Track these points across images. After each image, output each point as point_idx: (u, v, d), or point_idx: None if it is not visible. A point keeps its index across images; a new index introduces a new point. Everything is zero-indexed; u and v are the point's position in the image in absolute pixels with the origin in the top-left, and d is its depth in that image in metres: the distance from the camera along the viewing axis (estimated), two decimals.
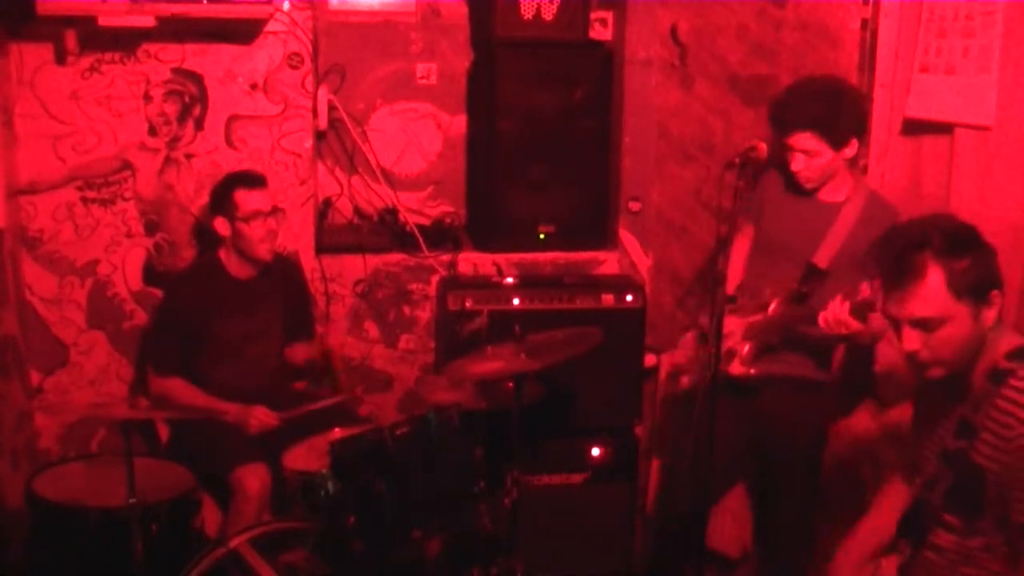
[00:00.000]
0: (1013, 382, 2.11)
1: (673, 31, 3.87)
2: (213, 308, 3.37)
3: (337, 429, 3.07)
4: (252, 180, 3.36)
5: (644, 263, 4.01)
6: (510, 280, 3.74)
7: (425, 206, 4.17)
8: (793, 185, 3.08)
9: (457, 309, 3.56)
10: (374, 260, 3.87)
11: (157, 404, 3.37)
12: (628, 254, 4.01)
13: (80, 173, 3.62)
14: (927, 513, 2.28)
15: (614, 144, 3.98)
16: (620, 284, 3.76)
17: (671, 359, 3.49)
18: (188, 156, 3.69)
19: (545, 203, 3.86)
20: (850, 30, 3.64)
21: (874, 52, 3.50)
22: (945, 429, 2.26)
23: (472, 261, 3.89)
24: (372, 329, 3.92)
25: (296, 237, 3.77)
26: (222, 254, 3.41)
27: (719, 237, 2.64)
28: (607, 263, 3.99)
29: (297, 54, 3.69)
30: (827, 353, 3.11)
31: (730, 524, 3.68)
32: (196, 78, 3.64)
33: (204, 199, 3.56)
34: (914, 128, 3.29)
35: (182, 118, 3.66)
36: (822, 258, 3.01)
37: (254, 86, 3.68)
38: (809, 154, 2.97)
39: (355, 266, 3.85)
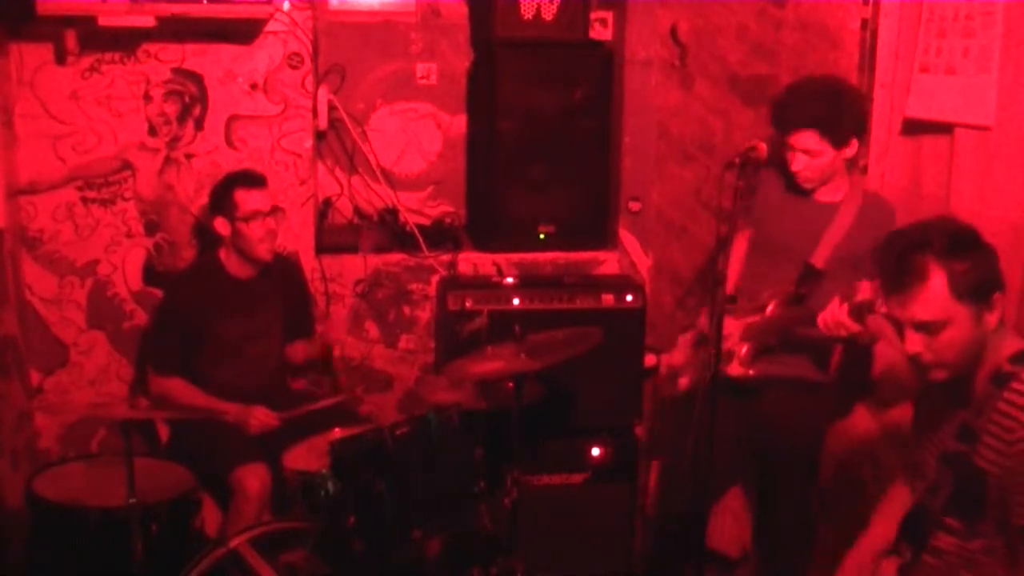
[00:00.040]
0: (1015, 385, 2.11)
1: (673, 31, 3.87)
2: (213, 308, 3.37)
3: (337, 429, 3.07)
4: (252, 180, 3.36)
5: (644, 263, 4.01)
6: (510, 280, 3.74)
7: (425, 206, 4.17)
8: (792, 185, 3.08)
9: (457, 309, 3.56)
10: (374, 260, 3.87)
11: (157, 404, 3.37)
12: (628, 254, 4.01)
13: (80, 173, 3.62)
14: (928, 516, 2.28)
15: (614, 144, 3.98)
16: (620, 284, 3.76)
17: (668, 360, 3.49)
18: (188, 156, 3.69)
19: (545, 203, 3.86)
20: (850, 30, 3.64)
21: (874, 52, 3.50)
22: (946, 432, 2.26)
23: (472, 261, 3.89)
24: (372, 329, 3.92)
25: (296, 237, 3.77)
26: (222, 254, 3.41)
27: (719, 237, 2.64)
28: (607, 263, 3.99)
29: (297, 54, 3.69)
30: (825, 354, 3.11)
31: (730, 524, 3.68)
32: (196, 78, 3.64)
33: (204, 199, 3.56)
34: (914, 128, 3.29)
35: (182, 118, 3.66)
36: (819, 258, 3.01)
37: (254, 86, 3.68)
38: (811, 153, 2.97)
39: (355, 266, 3.85)
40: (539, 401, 3.18)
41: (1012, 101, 2.82)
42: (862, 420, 3.37)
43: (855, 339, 2.77)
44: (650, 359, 3.82)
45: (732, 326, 2.98)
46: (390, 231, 3.97)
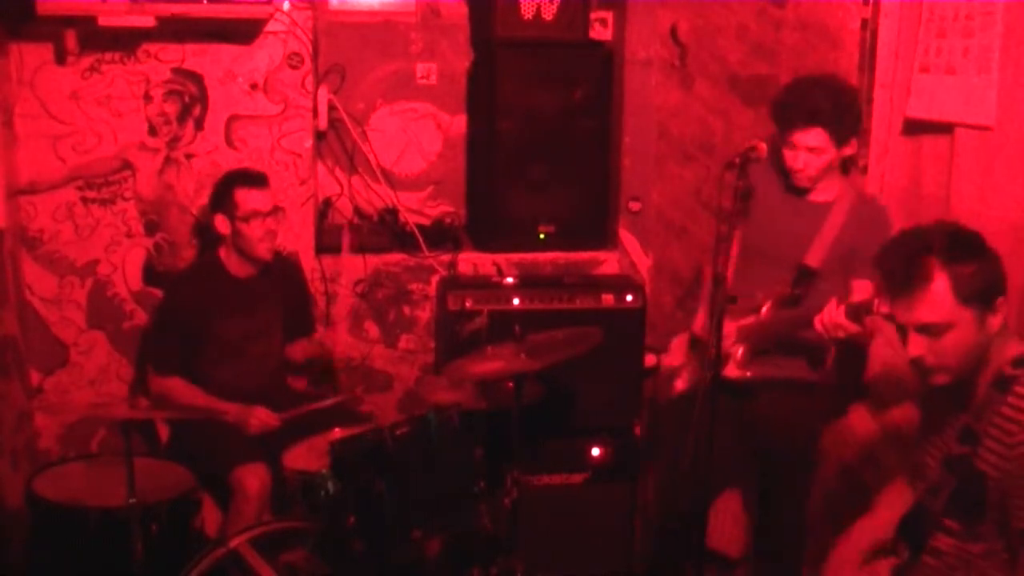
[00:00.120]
0: (1018, 389, 2.12)
1: (673, 31, 3.87)
2: (213, 308, 3.36)
3: (337, 429, 3.06)
4: (253, 179, 3.36)
5: (644, 263, 4.01)
6: (510, 280, 3.74)
7: (425, 206, 4.17)
8: (788, 185, 3.08)
9: (457, 309, 3.56)
10: (374, 260, 3.87)
11: (157, 404, 3.37)
12: (628, 254, 4.01)
13: (80, 173, 3.63)
14: (927, 518, 2.28)
15: (614, 144, 3.98)
16: (620, 284, 3.76)
17: (663, 363, 3.48)
18: (188, 156, 3.69)
19: (545, 203, 3.86)
20: (850, 30, 3.64)
21: (874, 52, 3.50)
22: (948, 435, 2.26)
23: (472, 261, 3.89)
24: (372, 329, 3.92)
25: (296, 237, 3.77)
26: (222, 253, 3.41)
27: (718, 237, 2.63)
28: (607, 263, 3.99)
29: (297, 54, 3.69)
30: (820, 354, 3.11)
31: (730, 524, 3.68)
32: (196, 78, 3.64)
33: (204, 199, 3.56)
34: (914, 128, 3.29)
35: (182, 118, 3.66)
36: (814, 258, 3.01)
37: (254, 86, 3.68)
38: (814, 151, 2.97)
39: (355, 266, 3.85)
40: (539, 401, 3.18)
41: (1012, 101, 2.82)
42: (862, 421, 3.37)
43: (853, 340, 2.77)
44: (650, 359, 3.81)
45: (727, 327, 2.98)
46: (390, 231, 3.97)
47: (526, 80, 3.76)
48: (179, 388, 3.32)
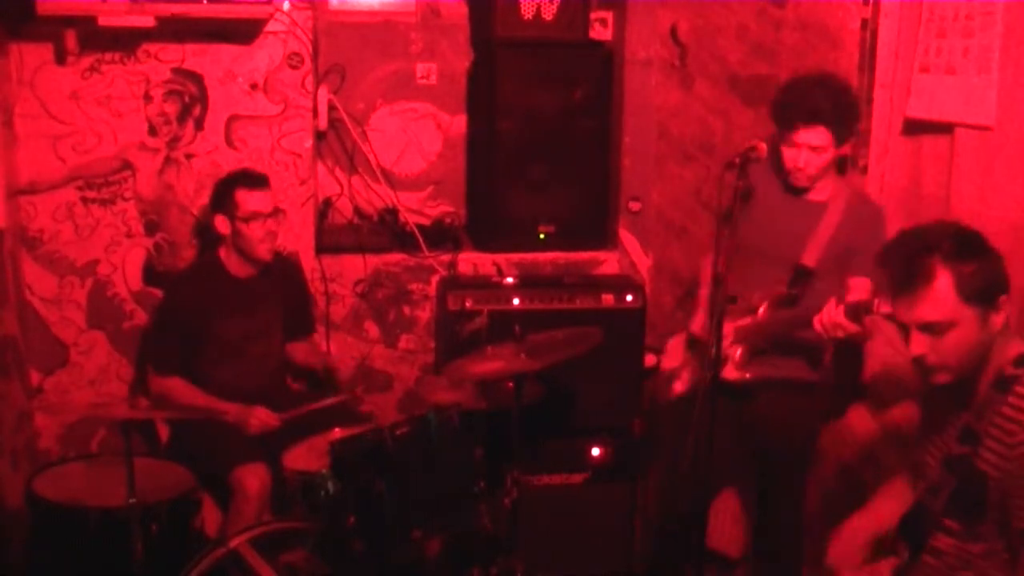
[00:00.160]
0: (1019, 388, 2.12)
1: (673, 31, 3.87)
2: (213, 308, 3.36)
3: (337, 429, 3.06)
4: (254, 180, 3.36)
5: (644, 263, 4.01)
6: (510, 280, 3.74)
7: (425, 206, 4.17)
8: (786, 185, 3.08)
9: (457, 309, 3.56)
10: (374, 260, 3.87)
11: (157, 404, 3.37)
12: (628, 254, 4.01)
13: (80, 173, 3.62)
14: (927, 517, 2.28)
15: (614, 144, 3.98)
16: (620, 284, 3.76)
17: (662, 365, 3.48)
18: (188, 156, 3.69)
19: (545, 203, 3.86)
20: (850, 30, 3.64)
21: (874, 52, 3.50)
22: (948, 435, 2.26)
23: (472, 261, 3.89)
24: (372, 329, 3.92)
25: (296, 237, 3.77)
26: (222, 253, 3.41)
27: (718, 237, 2.64)
28: (607, 263, 3.99)
29: (297, 54, 3.69)
30: (818, 354, 3.11)
31: (730, 524, 3.68)
32: (196, 78, 3.64)
33: (204, 199, 3.56)
34: (914, 128, 3.29)
35: (182, 118, 3.66)
36: (810, 258, 3.01)
37: (254, 86, 3.68)
38: (815, 150, 2.97)
39: (355, 266, 3.85)
40: (539, 401, 3.18)
41: (1012, 101, 2.82)
42: (862, 421, 3.37)
43: (852, 339, 2.77)
44: (650, 359, 3.81)
45: (724, 328, 2.98)
46: (390, 231, 3.97)
47: (526, 80, 3.76)
48: (179, 388, 3.32)
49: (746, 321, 3.02)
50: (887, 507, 2.46)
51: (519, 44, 3.75)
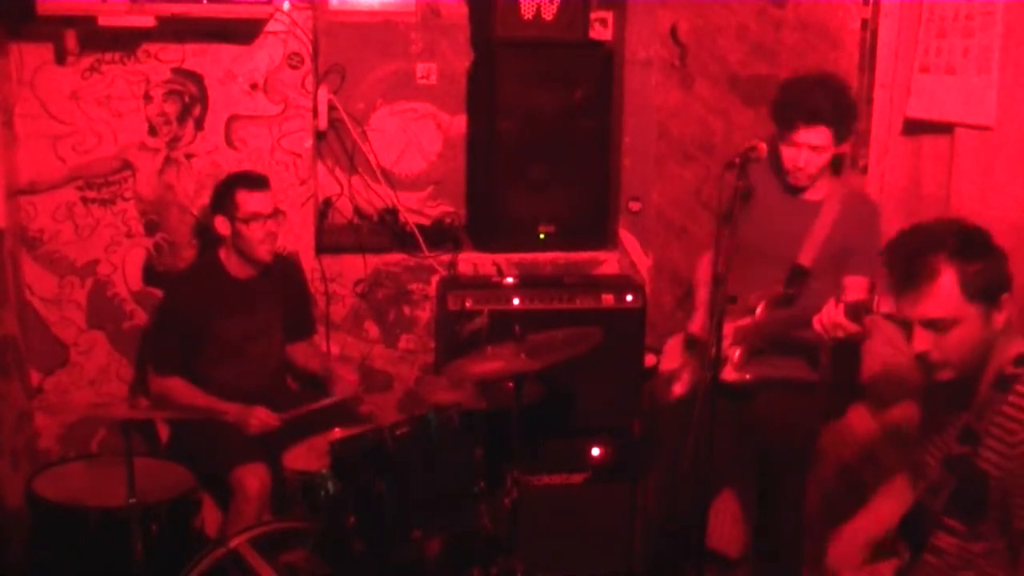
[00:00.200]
0: (1019, 388, 2.12)
1: (673, 31, 3.87)
2: (213, 308, 3.37)
3: (337, 429, 3.07)
4: (254, 181, 3.36)
5: (644, 263, 4.01)
6: (510, 280, 3.74)
7: (425, 206, 4.17)
8: (784, 184, 3.08)
9: (457, 309, 3.56)
10: (374, 260, 3.87)
11: (157, 404, 3.37)
12: (628, 254, 4.01)
13: (80, 173, 3.62)
14: (928, 516, 2.28)
15: (614, 144, 3.98)
16: (620, 284, 3.76)
17: (661, 367, 3.48)
18: (188, 156, 3.69)
19: (545, 203, 3.86)
20: (850, 30, 3.64)
21: (874, 52, 3.50)
22: (948, 434, 2.27)
23: (472, 261, 3.89)
24: (372, 329, 3.92)
25: (296, 237, 3.77)
26: (222, 254, 3.41)
27: (718, 238, 2.64)
28: (607, 263, 3.99)
29: (297, 54, 3.69)
30: (817, 354, 3.11)
31: (730, 524, 3.68)
32: (196, 78, 3.64)
33: (204, 199, 3.56)
34: (914, 128, 3.29)
35: (182, 118, 3.66)
36: (806, 257, 3.01)
37: (254, 86, 3.68)
38: (816, 150, 2.97)
39: (355, 266, 3.85)
40: (539, 401, 3.18)
41: (1012, 101, 2.82)
42: (862, 421, 3.37)
43: (852, 339, 2.77)
44: (650, 359, 3.81)
45: (723, 329, 2.98)
46: (390, 231, 3.97)
47: (526, 80, 3.76)
48: (179, 388, 3.32)
49: (744, 322, 3.02)
50: (887, 508, 2.46)
51: (519, 44, 3.75)
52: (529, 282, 3.73)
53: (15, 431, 3.52)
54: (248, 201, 3.31)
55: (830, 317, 2.64)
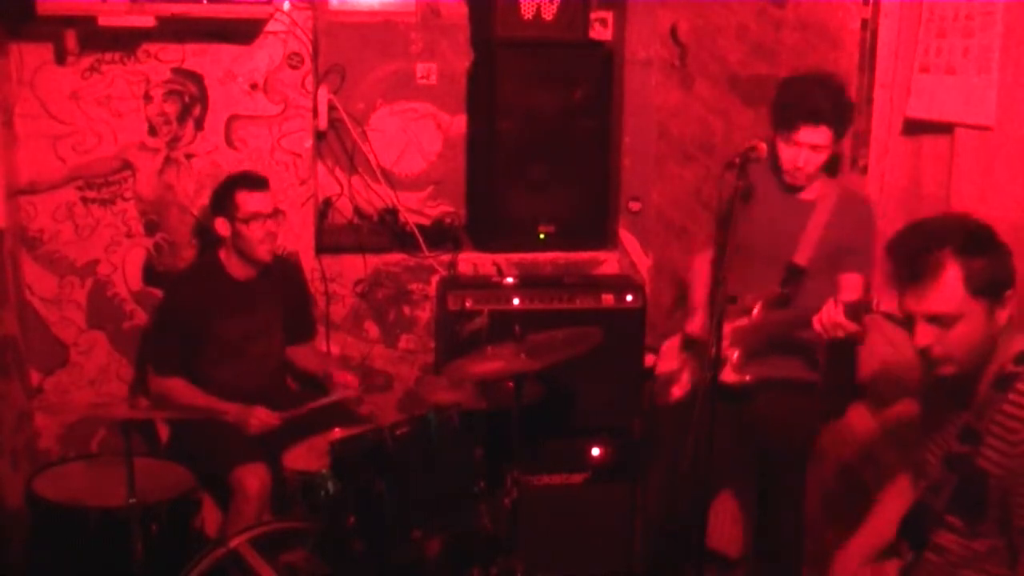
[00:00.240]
0: (1020, 386, 2.12)
1: (673, 31, 3.87)
2: (213, 308, 3.37)
3: (337, 429, 3.06)
4: (254, 182, 3.36)
5: (644, 263, 4.01)
6: (510, 280, 3.74)
7: (425, 206, 4.17)
8: (781, 184, 3.08)
9: (457, 309, 3.56)
10: (374, 260, 3.87)
11: (157, 404, 3.37)
12: (628, 254, 4.01)
13: (80, 173, 3.63)
14: (929, 515, 2.28)
15: (614, 144, 3.98)
16: (620, 284, 3.76)
17: (659, 369, 3.47)
18: (188, 156, 3.69)
19: (545, 203, 3.86)
20: (850, 30, 3.64)
21: (874, 52, 3.50)
22: (949, 433, 2.26)
23: (472, 261, 3.89)
24: (372, 329, 3.92)
25: (296, 237, 3.77)
26: (222, 254, 3.41)
27: (718, 238, 2.64)
28: (607, 263, 3.99)
29: (297, 54, 3.69)
30: (814, 353, 3.11)
31: (729, 524, 3.68)
32: (196, 78, 3.64)
33: (204, 199, 3.56)
34: (914, 128, 3.29)
35: (182, 118, 3.66)
36: (802, 256, 3.02)
37: (254, 86, 3.68)
38: (816, 149, 2.98)
39: (355, 266, 3.85)
40: (539, 401, 3.18)
41: (1012, 101, 2.81)
42: (861, 421, 3.37)
43: (852, 339, 2.77)
44: (650, 359, 3.81)
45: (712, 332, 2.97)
46: (390, 231, 3.97)
47: (526, 80, 3.76)
48: (179, 388, 3.32)
49: (741, 323, 3.02)
50: (889, 517, 2.45)
51: (519, 44, 3.75)
52: (529, 282, 3.73)
53: (15, 431, 3.52)
54: (248, 201, 3.31)
55: (830, 317, 2.64)
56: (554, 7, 3.75)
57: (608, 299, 3.67)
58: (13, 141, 3.53)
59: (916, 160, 3.30)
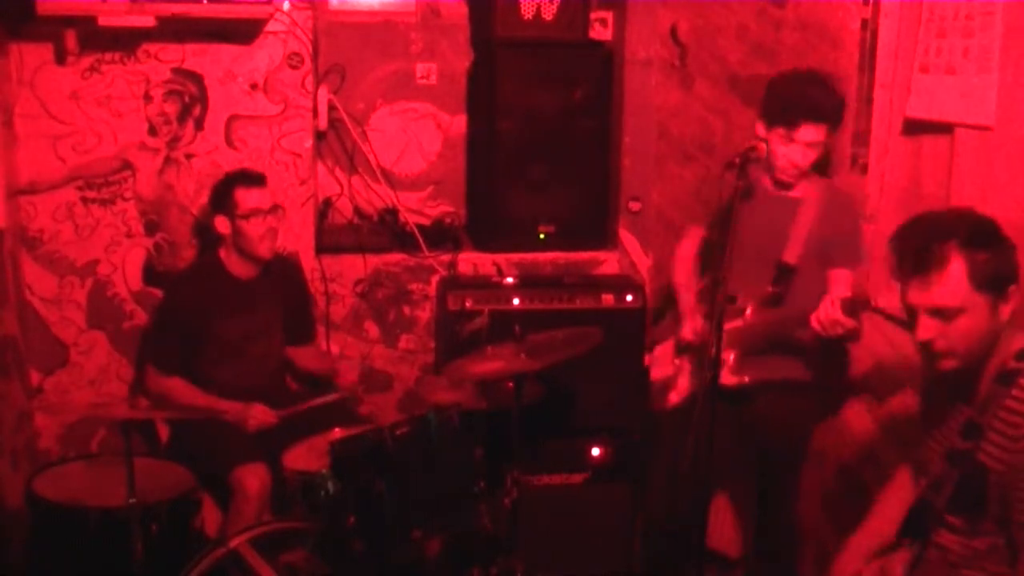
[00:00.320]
0: (1022, 381, 2.12)
1: (673, 31, 3.87)
2: (213, 308, 3.37)
3: (337, 429, 3.06)
4: (252, 179, 3.36)
5: (644, 263, 4.01)
6: (510, 280, 3.74)
7: (425, 206, 4.17)
8: (773, 182, 3.09)
9: (457, 309, 3.56)
10: (374, 260, 3.87)
11: (157, 404, 3.38)
12: (628, 254, 4.01)
13: (80, 173, 3.63)
14: (930, 513, 2.28)
15: (614, 144, 3.98)
16: (620, 284, 3.76)
17: (655, 374, 3.46)
18: (188, 156, 3.69)
19: (545, 203, 3.86)
20: (850, 30, 3.64)
21: (874, 52, 3.49)
22: (950, 428, 2.26)
23: (472, 261, 3.89)
24: (372, 329, 3.92)
25: (296, 237, 3.77)
26: (222, 253, 3.41)
27: (719, 239, 2.64)
28: (607, 263, 3.99)
29: (297, 54, 3.69)
30: (810, 353, 3.11)
31: (729, 524, 3.68)
32: (196, 78, 3.64)
33: (204, 199, 3.56)
34: (914, 128, 3.28)
35: (182, 118, 3.66)
36: (791, 255, 3.02)
37: (254, 86, 3.68)
38: (812, 146, 2.98)
39: (355, 266, 3.85)
40: (539, 401, 3.18)
41: (1012, 101, 2.81)
42: (859, 419, 3.36)
43: (848, 335, 2.77)
44: (650, 359, 3.81)
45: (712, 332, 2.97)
46: (390, 231, 3.97)
47: (526, 80, 3.76)
48: (179, 388, 3.33)
49: (736, 324, 3.01)
50: (888, 515, 2.45)
51: (519, 44, 3.75)
52: (529, 282, 3.73)
53: (15, 431, 3.52)
54: (247, 198, 3.31)
55: (828, 314, 2.64)
56: (554, 7, 3.76)
57: (608, 299, 3.67)
58: (13, 141, 3.53)
59: (916, 160, 3.29)
